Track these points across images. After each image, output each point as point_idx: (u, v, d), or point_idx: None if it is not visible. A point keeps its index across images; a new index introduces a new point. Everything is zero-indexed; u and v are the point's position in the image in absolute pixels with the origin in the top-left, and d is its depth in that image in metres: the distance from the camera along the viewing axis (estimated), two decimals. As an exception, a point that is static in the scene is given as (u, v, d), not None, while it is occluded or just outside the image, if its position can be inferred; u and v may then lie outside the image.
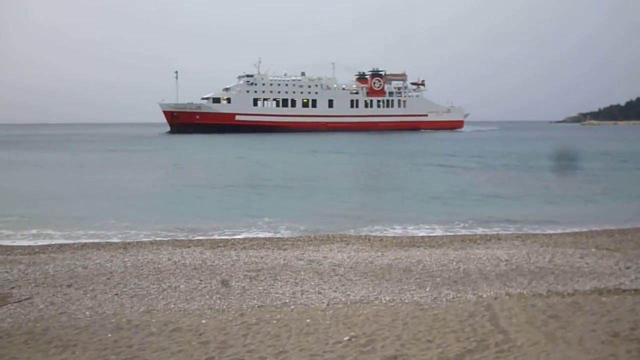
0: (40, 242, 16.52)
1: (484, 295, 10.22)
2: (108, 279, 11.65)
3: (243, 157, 53.66)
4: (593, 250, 14.26)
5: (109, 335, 8.34)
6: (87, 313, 9.41)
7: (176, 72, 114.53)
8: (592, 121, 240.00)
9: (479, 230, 18.26)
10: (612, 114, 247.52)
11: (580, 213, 21.58)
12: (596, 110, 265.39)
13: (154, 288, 10.95)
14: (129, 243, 16.08)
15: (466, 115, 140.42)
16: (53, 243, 16.30)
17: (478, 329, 8.27)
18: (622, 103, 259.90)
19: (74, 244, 16.01)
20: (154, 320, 9.03)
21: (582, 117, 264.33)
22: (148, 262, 13.18)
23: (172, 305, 9.84)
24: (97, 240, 16.72)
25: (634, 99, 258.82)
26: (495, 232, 17.76)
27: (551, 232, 17.84)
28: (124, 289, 10.85)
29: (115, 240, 16.89)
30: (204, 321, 8.96)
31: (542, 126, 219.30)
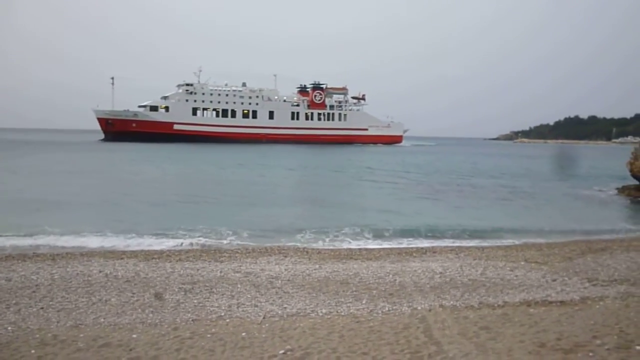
0: (-41, 253, 15.58)
1: (419, 308, 10.40)
2: (33, 292, 11.12)
3: (180, 166, 52.74)
4: (522, 263, 14.80)
5: (33, 351, 7.94)
6: (10, 328, 8.94)
7: (112, 77, 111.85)
8: (523, 139, 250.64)
9: (415, 243, 18.61)
10: (542, 132, 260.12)
11: (511, 227, 22.35)
12: (527, 129, 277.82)
13: (82, 301, 10.54)
14: (57, 254, 15.40)
15: (405, 131, 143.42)
16: (-26, 254, 15.42)
17: (412, 341, 8.39)
18: (551, 122, 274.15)
19: (-3, 254, 15.20)
20: (81, 335, 8.67)
21: (514, 135, 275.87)
22: (77, 274, 12.68)
23: (102, 320, 9.48)
24: (22, 251, 15.92)
25: (561, 119, 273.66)
26: (430, 245, 18.14)
27: (483, 245, 18.39)
28: (51, 303, 10.38)
29: (42, 251, 16.15)
30: (135, 336, 8.67)
31: (476, 143, 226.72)
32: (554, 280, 12.81)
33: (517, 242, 19.02)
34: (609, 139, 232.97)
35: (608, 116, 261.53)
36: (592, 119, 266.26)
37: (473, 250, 17.11)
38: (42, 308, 10.05)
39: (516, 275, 13.23)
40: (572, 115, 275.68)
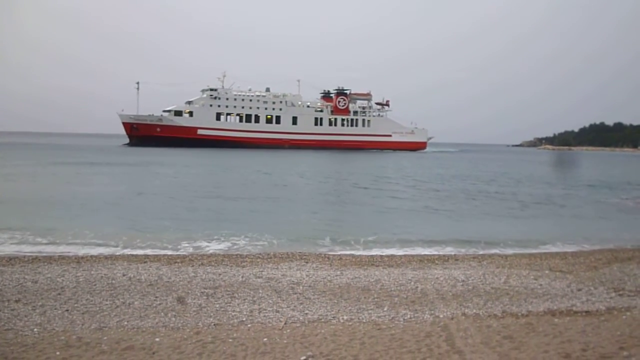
0: (-13, 255, 15.90)
1: (441, 316, 10.30)
2: (59, 294, 11.29)
3: (205, 172, 53.15)
4: (547, 272, 14.58)
5: (58, 353, 8.05)
6: (35, 330, 9.08)
7: (137, 82, 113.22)
8: (547, 146, 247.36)
9: (437, 251, 18.46)
10: (566, 139, 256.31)
11: (536, 235, 22.04)
12: (551, 135, 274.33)
13: (106, 304, 10.66)
14: (82, 257, 15.65)
15: (430, 138, 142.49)
16: (1, 255, 15.73)
17: (434, 349, 8.32)
18: (576, 129, 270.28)
19: (24, 256, 15.49)
20: (105, 337, 8.77)
21: (538, 142, 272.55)
22: (102, 277, 12.84)
23: (125, 323, 9.59)
24: (49, 254, 16.20)
25: (587, 125, 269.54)
26: (452, 253, 17.99)
27: (507, 253, 18.17)
28: (75, 305, 10.53)
29: (68, 253, 16.40)
30: (157, 339, 8.75)
31: (500, 149, 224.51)
32: (579, 289, 12.59)
33: (541, 251, 18.75)
34: (635, 146, 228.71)
35: (635, 123, 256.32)
36: (618, 125, 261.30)
37: (496, 258, 16.92)
38: (67, 310, 10.20)
39: (540, 284, 13.04)
40: (597, 122, 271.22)
